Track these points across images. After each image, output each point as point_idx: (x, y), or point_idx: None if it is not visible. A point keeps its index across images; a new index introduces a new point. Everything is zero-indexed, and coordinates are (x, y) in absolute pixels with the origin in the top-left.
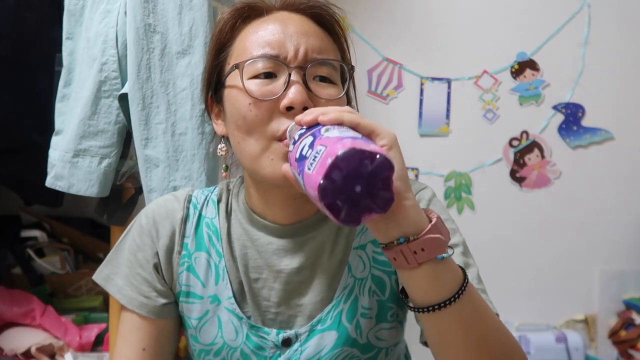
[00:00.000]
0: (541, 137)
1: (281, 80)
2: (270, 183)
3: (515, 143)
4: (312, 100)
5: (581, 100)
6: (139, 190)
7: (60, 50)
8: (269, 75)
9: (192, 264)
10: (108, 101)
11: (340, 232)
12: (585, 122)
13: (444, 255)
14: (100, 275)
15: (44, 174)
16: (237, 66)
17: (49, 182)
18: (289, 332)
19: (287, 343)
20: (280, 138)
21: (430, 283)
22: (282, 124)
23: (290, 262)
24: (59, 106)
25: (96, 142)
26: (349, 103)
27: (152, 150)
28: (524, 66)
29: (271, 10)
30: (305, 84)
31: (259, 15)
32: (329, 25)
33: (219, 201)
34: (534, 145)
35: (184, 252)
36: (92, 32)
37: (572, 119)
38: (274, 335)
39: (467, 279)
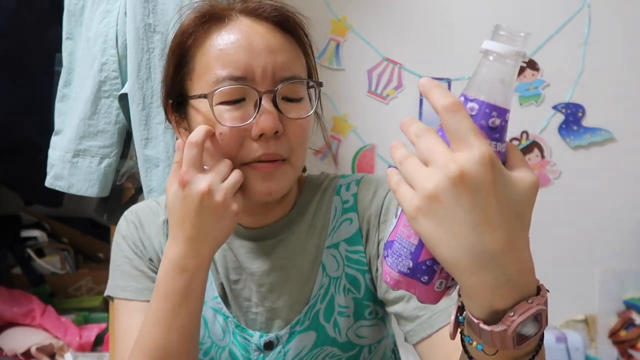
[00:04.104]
0: (541, 137)
1: (251, 105)
2: (245, 198)
3: (515, 143)
4: (282, 121)
5: (581, 100)
6: (139, 190)
7: (60, 50)
8: (237, 101)
9: None
10: (108, 101)
11: (311, 233)
12: (586, 122)
13: (472, 342)
14: (109, 291)
15: (44, 174)
16: (205, 95)
17: (49, 182)
18: (270, 336)
19: (269, 346)
20: (249, 162)
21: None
22: (253, 151)
23: (261, 265)
24: (58, 106)
25: (96, 142)
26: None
27: (152, 150)
28: (524, 66)
29: (230, 15)
30: (275, 106)
31: (219, 22)
32: (292, 31)
33: None
34: (534, 145)
35: None
36: (92, 32)
37: (572, 119)
38: (256, 338)
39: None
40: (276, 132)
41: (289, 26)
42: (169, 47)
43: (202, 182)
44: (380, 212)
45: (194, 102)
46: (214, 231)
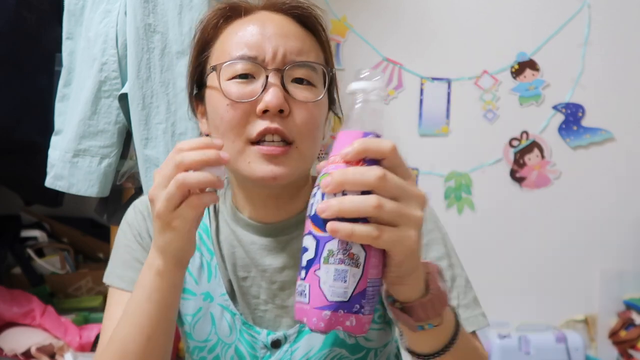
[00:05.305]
0: (541, 137)
1: (259, 83)
2: (251, 183)
3: (515, 143)
4: (289, 102)
5: (581, 100)
6: (139, 190)
7: (60, 50)
8: (246, 77)
9: None
10: (108, 101)
11: None
12: (585, 122)
13: (425, 327)
14: (105, 277)
15: (44, 174)
16: (214, 68)
17: (49, 182)
18: (278, 334)
19: (276, 344)
20: (255, 141)
21: (422, 340)
22: (257, 127)
23: (273, 261)
24: (59, 106)
25: (96, 142)
26: (331, 105)
27: (152, 150)
28: (524, 66)
29: (253, 10)
30: (283, 86)
31: (241, 15)
32: (311, 26)
33: None
34: (534, 145)
35: None
36: (92, 32)
37: (572, 119)
38: (264, 335)
39: (456, 339)
40: (281, 110)
41: (307, 21)
42: (193, 39)
43: (153, 186)
44: None
45: (208, 81)
46: (161, 241)
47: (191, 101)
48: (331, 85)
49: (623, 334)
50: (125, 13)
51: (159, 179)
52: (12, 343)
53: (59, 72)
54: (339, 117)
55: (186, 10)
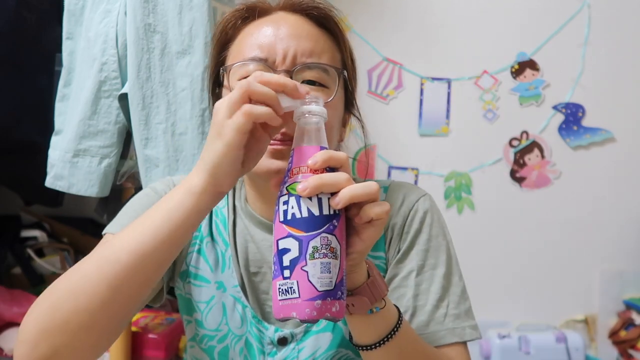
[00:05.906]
0: (541, 137)
1: None
2: (259, 179)
3: (515, 143)
4: None
5: (581, 100)
6: (139, 191)
7: (60, 50)
8: None
9: (202, 248)
10: (108, 101)
11: None
12: (586, 122)
13: (373, 309)
14: (106, 229)
15: (44, 174)
16: (225, 69)
17: (49, 182)
18: (285, 332)
19: (282, 342)
20: None
21: (370, 328)
22: None
23: None
24: (58, 106)
25: (96, 142)
26: (347, 106)
27: (152, 150)
28: (524, 66)
29: (270, 11)
30: None
31: (258, 16)
32: (328, 26)
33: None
34: (534, 145)
35: (196, 233)
36: (92, 32)
37: (572, 119)
38: (271, 331)
39: (399, 326)
40: None
41: (324, 21)
42: (212, 39)
43: (224, 98)
44: (405, 222)
45: (225, 81)
46: (206, 153)
47: (213, 100)
48: (346, 87)
49: (623, 334)
50: (125, 13)
51: (232, 94)
52: (12, 343)
53: (59, 72)
54: (358, 119)
55: (186, 10)
